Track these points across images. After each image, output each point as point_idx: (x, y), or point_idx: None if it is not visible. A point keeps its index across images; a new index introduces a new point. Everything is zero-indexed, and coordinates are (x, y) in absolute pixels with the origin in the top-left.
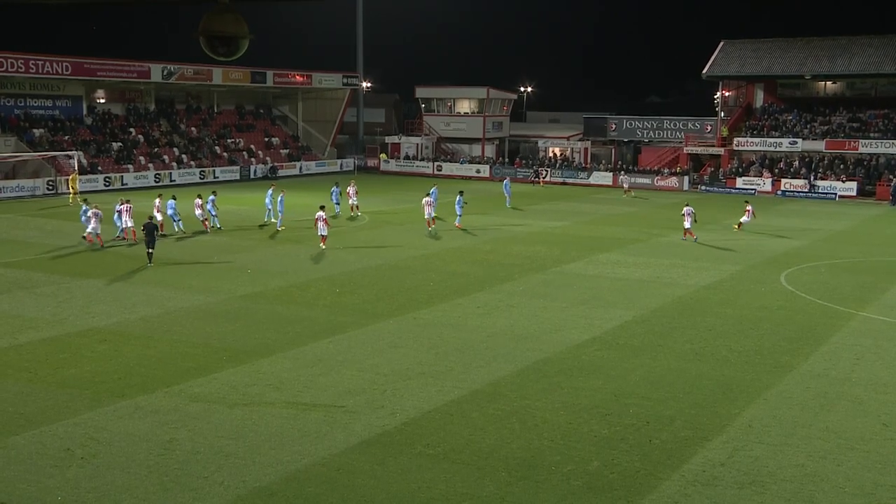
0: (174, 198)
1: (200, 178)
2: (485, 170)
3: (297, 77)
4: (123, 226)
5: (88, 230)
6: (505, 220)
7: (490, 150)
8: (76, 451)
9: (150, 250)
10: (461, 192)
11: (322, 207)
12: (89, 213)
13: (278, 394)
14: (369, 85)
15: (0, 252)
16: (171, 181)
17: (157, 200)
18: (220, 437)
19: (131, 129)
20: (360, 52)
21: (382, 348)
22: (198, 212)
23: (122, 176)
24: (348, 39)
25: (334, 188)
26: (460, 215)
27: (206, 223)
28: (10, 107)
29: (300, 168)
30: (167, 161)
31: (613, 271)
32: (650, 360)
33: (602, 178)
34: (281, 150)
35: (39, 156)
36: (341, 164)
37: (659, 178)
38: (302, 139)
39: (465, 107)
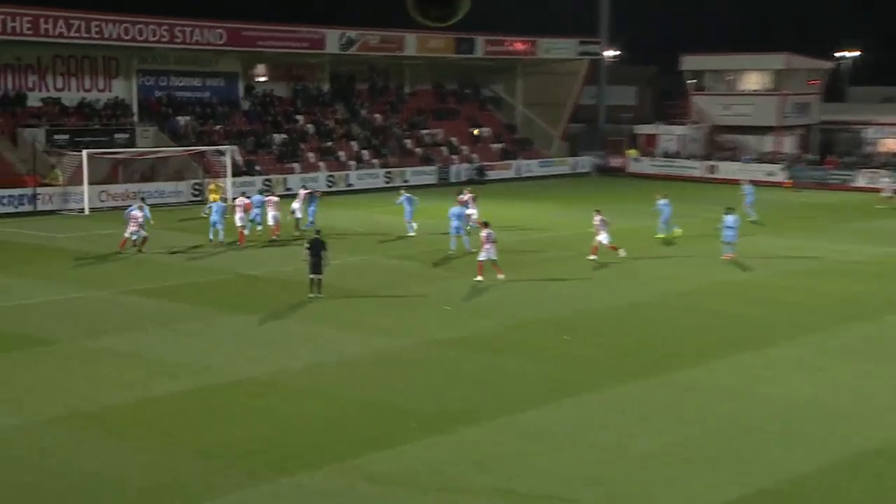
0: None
1: (386, 181)
2: (776, 171)
3: (517, 45)
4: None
5: (128, 233)
6: (804, 242)
7: (790, 143)
8: None
9: (318, 276)
10: (730, 211)
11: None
12: (134, 214)
13: (485, 477)
14: (615, 54)
15: (135, 276)
16: (347, 186)
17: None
18: None
19: (298, 117)
20: (604, 10)
21: (629, 421)
22: (271, 214)
23: (285, 178)
24: None
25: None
26: (731, 242)
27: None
28: (150, 87)
29: (517, 169)
30: (343, 158)
31: None
32: None
33: None
34: (492, 145)
35: (185, 152)
36: (575, 164)
37: None
38: (521, 129)
39: (752, 82)
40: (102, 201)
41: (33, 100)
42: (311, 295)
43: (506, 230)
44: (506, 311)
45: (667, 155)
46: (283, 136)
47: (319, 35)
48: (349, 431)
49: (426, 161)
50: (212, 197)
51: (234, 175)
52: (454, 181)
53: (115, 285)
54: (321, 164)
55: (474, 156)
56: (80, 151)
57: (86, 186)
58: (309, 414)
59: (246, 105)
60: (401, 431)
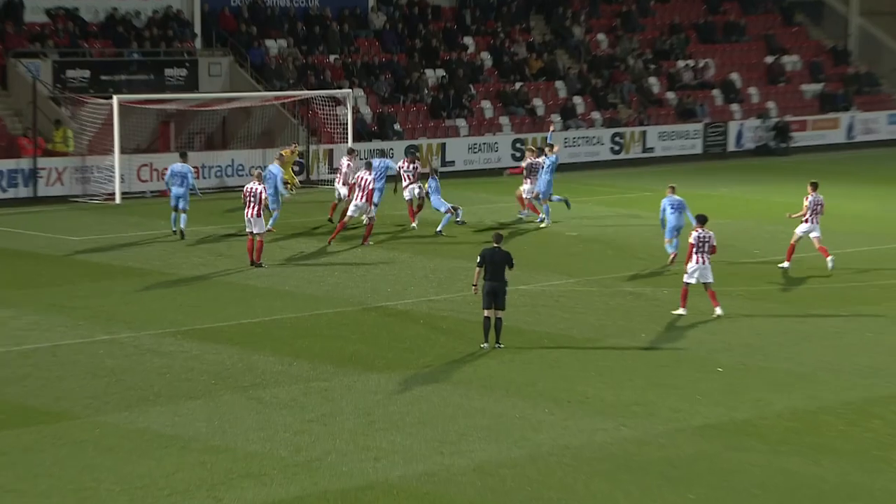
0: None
1: (614, 148)
2: None
3: None
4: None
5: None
6: None
7: None
8: None
9: (498, 312)
10: None
11: None
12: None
13: None
14: None
15: (192, 305)
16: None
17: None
18: None
19: (467, 40)
20: None
21: None
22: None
23: (442, 144)
24: None
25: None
26: None
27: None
28: None
29: (849, 128)
30: (541, 111)
31: None
32: None
33: None
34: (803, 87)
35: (279, 98)
36: None
37: None
38: (857, 57)
39: None
40: (144, 181)
41: (34, 11)
42: (485, 345)
43: (836, 234)
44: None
45: None
46: (441, 73)
47: None
48: None
49: (685, 115)
50: (285, 173)
51: (358, 138)
52: (735, 150)
53: (162, 322)
54: (503, 120)
55: (770, 106)
56: (109, 97)
57: (117, 156)
58: None
59: (379, 20)
60: None
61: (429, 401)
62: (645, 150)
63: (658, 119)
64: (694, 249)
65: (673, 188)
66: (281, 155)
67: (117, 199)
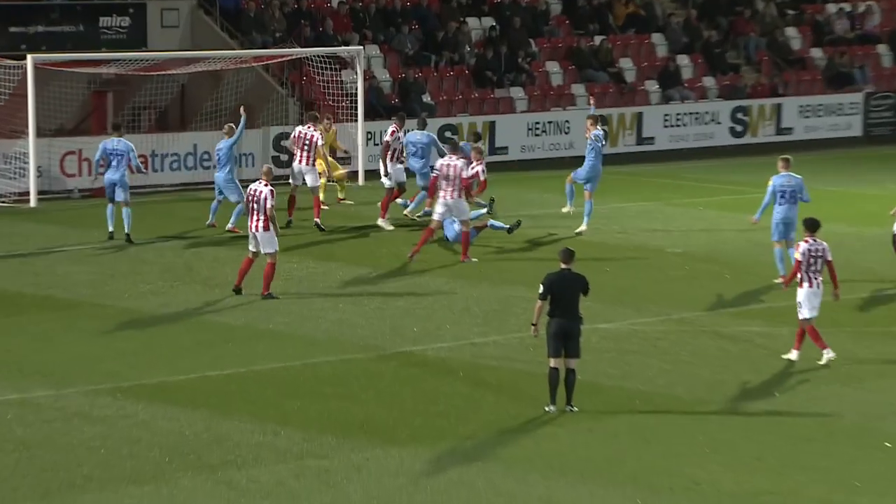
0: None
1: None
2: None
3: None
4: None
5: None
6: None
7: None
8: None
9: (570, 361)
10: None
11: None
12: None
13: None
14: None
15: (171, 353)
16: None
17: None
18: None
19: None
20: None
21: None
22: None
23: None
24: None
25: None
26: None
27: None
28: None
29: None
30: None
31: None
32: None
33: None
34: None
35: (258, 58)
36: None
37: None
38: None
39: None
40: (70, 175)
41: None
42: (551, 408)
43: None
44: None
45: None
46: (489, 22)
47: None
48: None
49: (838, 82)
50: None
51: (372, 114)
52: None
53: (95, 374)
54: (576, 89)
55: None
56: (22, 57)
57: (32, 140)
58: None
59: None
60: None
61: (471, 487)
62: (780, 130)
63: (799, 87)
64: (802, 268)
65: (787, 161)
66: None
67: (32, 201)
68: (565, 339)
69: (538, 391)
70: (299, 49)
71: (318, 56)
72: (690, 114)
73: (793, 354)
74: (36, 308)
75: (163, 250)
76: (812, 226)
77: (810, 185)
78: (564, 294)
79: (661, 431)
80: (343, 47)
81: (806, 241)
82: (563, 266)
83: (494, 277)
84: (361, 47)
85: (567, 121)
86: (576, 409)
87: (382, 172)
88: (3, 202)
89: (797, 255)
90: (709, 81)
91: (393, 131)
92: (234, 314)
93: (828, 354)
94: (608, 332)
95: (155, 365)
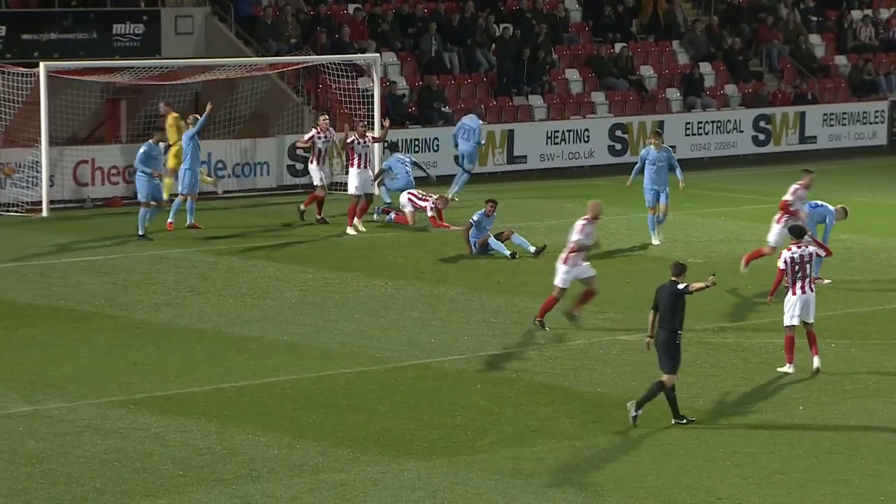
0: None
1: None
2: None
3: None
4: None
5: None
6: None
7: None
8: None
9: (667, 379)
10: None
11: None
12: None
13: None
14: None
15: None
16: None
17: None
18: None
19: None
20: None
21: None
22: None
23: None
24: None
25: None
26: None
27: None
28: None
29: None
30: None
31: None
32: None
33: None
34: None
35: (273, 65)
36: None
37: None
38: None
39: None
40: (83, 185)
41: None
42: (679, 419)
43: None
44: None
45: None
46: (508, 28)
47: None
48: None
49: (863, 90)
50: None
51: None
52: None
53: (108, 387)
54: (596, 97)
55: None
56: (35, 65)
57: (44, 149)
58: None
59: None
60: None
61: (489, 501)
62: (803, 139)
63: (823, 95)
64: (787, 276)
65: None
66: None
67: (44, 211)
68: (668, 349)
69: (557, 405)
70: (315, 56)
71: (335, 63)
72: (712, 122)
73: (787, 367)
74: (48, 319)
75: (177, 260)
76: (798, 232)
77: (835, 196)
78: (663, 306)
79: (682, 445)
80: (360, 55)
81: (789, 250)
82: (672, 278)
83: (513, 289)
84: (378, 55)
85: (587, 129)
86: (685, 421)
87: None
88: (15, 211)
89: (779, 264)
90: (731, 89)
91: (353, 139)
92: (248, 326)
93: (788, 369)
94: (629, 345)
95: (168, 377)
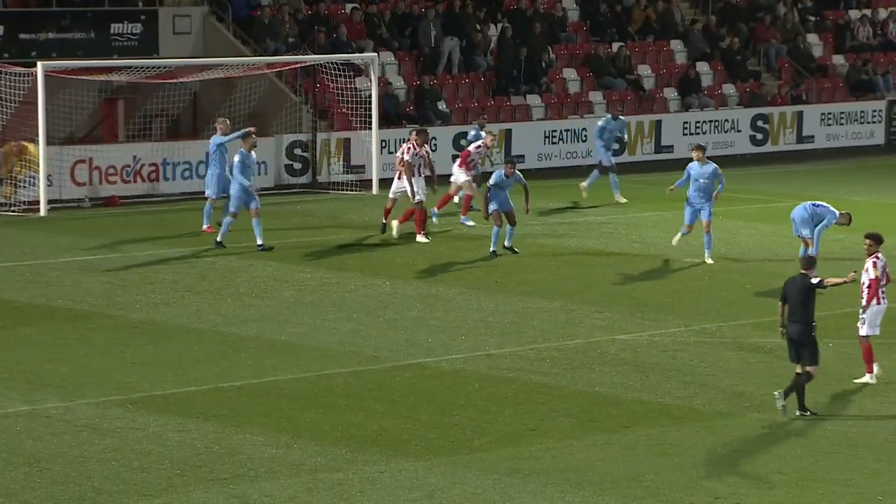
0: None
1: None
2: None
3: None
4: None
5: None
6: None
7: None
8: None
9: (807, 371)
10: None
11: None
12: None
13: None
14: None
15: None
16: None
17: None
18: None
19: None
20: None
21: None
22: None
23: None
24: None
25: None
26: None
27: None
28: None
29: None
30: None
31: None
32: None
33: None
34: None
35: (272, 65)
36: None
37: None
38: None
39: None
40: (80, 184)
41: None
42: (803, 412)
43: None
44: None
45: None
46: (506, 28)
47: None
48: None
49: (861, 89)
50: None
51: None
52: None
53: (106, 386)
54: (594, 96)
55: None
56: (32, 64)
57: (42, 149)
58: None
59: None
60: None
61: (487, 501)
62: (801, 139)
63: (821, 95)
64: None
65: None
66: None
67: (42, 211)
68: (795, 344)
69: (554, 404)
70: (313, 56)
71: (332, 63)
72: (710, 122)
73: (867, 378)
74: (46, 319)
75: (175, 260)
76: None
77: (833, 195)
78: (794, 299)
79: (680, 444)
80: (357, 54)
81: (876, 257)
82: (802, 271)
83: (511, 288)
84: (376, 54)
85: (584, 129)
86: (808, 413)
87: (411, 193)
88: (12, 211)
89: (875, 273)
90: (729, 89)
91: (409, 148)
92: (246, 325)
93: (868, 379)
94: (627, 344)
95: (166, 376)
